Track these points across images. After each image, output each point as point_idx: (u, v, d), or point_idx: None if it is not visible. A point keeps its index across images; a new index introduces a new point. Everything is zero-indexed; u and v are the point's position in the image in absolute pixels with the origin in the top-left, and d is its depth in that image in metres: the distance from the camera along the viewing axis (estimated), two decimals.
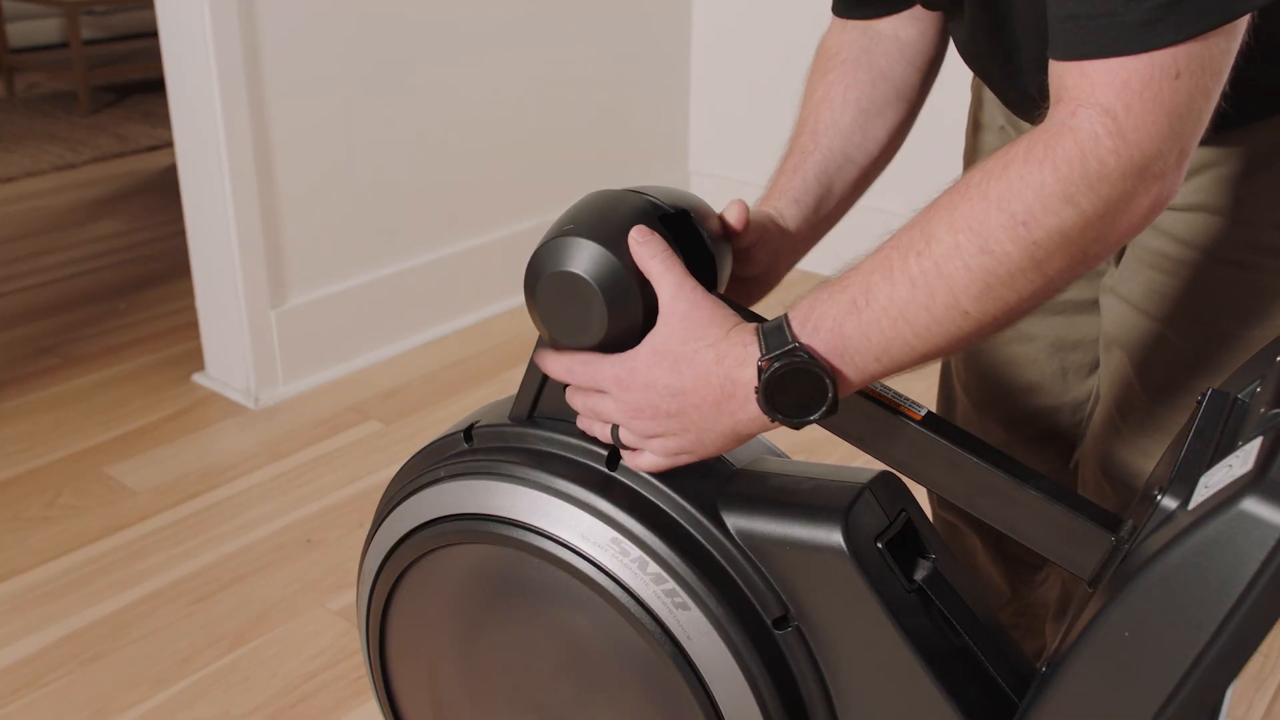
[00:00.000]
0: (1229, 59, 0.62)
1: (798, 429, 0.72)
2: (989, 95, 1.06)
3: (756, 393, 0.71)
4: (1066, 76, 0.63)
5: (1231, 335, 0.91)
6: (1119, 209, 0.63)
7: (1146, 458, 0.98)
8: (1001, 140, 1.05)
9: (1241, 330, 0.90)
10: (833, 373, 0.70)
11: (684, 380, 0.74)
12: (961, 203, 0.66)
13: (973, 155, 1.11)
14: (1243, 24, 0.62)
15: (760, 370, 0.71)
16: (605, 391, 0.78)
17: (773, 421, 0.72)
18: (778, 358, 0.70)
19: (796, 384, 0.70)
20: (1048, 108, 0.67)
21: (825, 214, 0.96)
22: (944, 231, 0.66)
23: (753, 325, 0.74)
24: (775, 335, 0.71)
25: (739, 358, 0.72)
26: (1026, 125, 0.95)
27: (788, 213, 0.93)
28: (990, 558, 1.23)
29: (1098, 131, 0.61)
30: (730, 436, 0.75)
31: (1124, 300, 0.97)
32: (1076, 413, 1.13)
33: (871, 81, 0.97)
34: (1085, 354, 1.09)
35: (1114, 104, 0.61)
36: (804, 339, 0.70)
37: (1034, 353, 1.10)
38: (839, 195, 0.96)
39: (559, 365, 0.81)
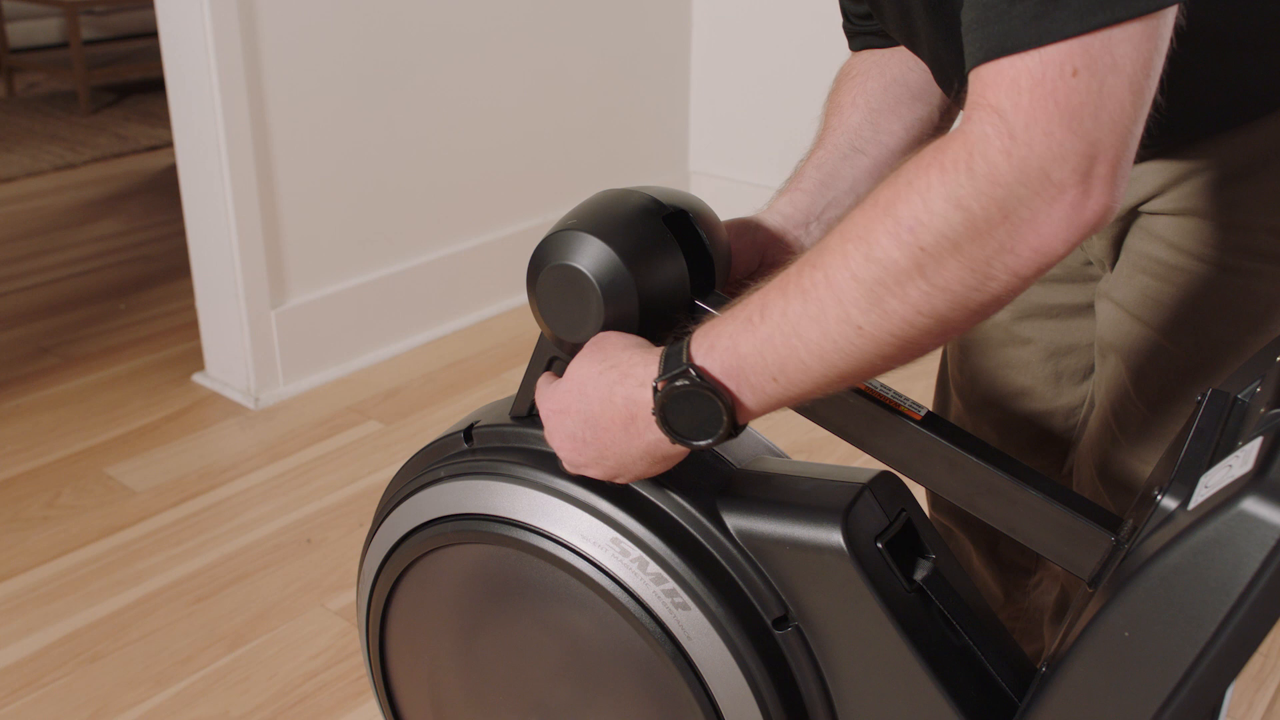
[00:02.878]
0: (1150, 59, 0.57)
1: (704, 449, 0.70)
2: None
3: (653, 415, 0.70)
4: (967, 89, 0.60)
5: (1226, 341, 0.90)
6: (1020, 219, 0.58)
7: (1142, 463, 0.98)
8: None
9: (1236, 336, 0.90)
10: (726, 394, 0.68)
11: (591, 405, 0.74)
12: (856, 213, 0.63)
13: None
14: (1160, 22, 0.57)
15: (655, 391, 0.69)
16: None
17: (674, 444, 0.71)
18: (671, 378, 0.68)
19: (690, 406, 0.68)
20: None
21: (832, 199, 0.94)
22: (835, 241, 0.63)
23: (661, 348, 0.73)
24: (673, 357, 0.70)
25: (639, 379, 0.71)
26: None
27: (779, 206, 0.93)
28: (984, 562, 1.24)
29: (987, 131, 0.57)
30: (648, 459, 0.74)
31: (1118, 305, 0.97)
32: (1070, 417, 1.13)
33: (883, 86, 0.97)
34: (1079, 359, 1.09)
35: (1002, 102, 0.57)
36: (699, 360, 0.68)
37: (1028, 356, 1.10)
38: (848, 182, 0.94)
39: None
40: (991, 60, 0.57)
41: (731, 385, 0.68)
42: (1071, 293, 1.06)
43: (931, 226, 0.59)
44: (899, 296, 0.61)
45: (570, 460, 0.78)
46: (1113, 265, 0.99)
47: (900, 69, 0.97)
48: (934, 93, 0.97)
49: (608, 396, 0.73)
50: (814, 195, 0.93)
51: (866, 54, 1.00)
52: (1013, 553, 1.22)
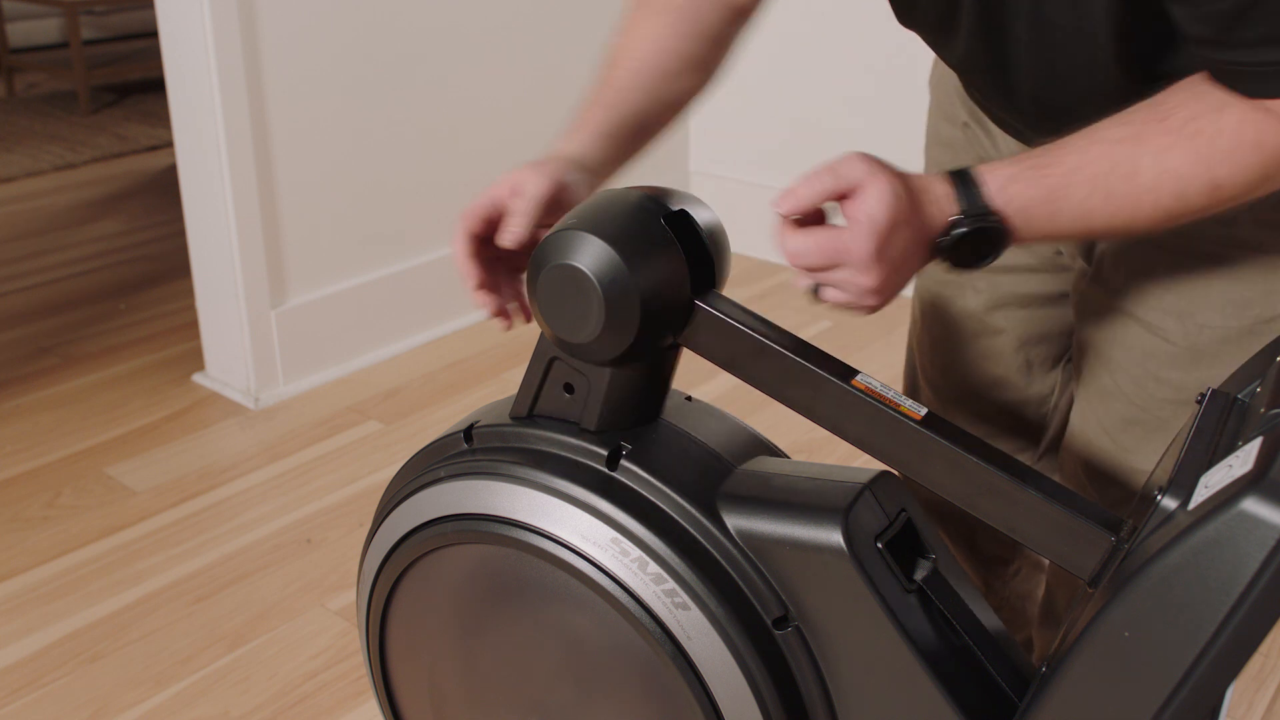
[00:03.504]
0: None
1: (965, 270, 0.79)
2: (952, 91, 1.07)
3: (938, 240, 0.76)
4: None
5: (1209, 328, 0.92)
6: None
7: (1128, 454, 0.99)
8: (966, 135, 1.06)
9: (1220, 322, 0.91)
10: (1010, 233, 0.77)
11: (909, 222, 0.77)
12: (1173, 151, 0.73)
13: (936, 144, 1.12)
14: None
15: (951, 225, 0.76)
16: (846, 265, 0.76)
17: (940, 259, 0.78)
18: (971, 220, 0.76)
19: (975, 241, 0.77)
20: (1044, 132, 0.76)
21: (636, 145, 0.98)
22: (1151, 173, 0.74)
23: (942, 175, 0.78)
24: (970, 194, 0.76)
25: (939, 203, 0.77)
26: (990, 125, 1.00)
27: (593, 151, 0.94)
28: (962, 555, 1.24)
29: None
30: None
31: (1100, 295, 0.97)
32: (1042, 405, 1.13)
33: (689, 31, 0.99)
34: (1051, 347, 1.10)
35: None
36: (998, 205, 0.76)
37: (1000, 346, 1.11)
38: (651, 133, 0.99)
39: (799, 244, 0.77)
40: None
41: (1012, 225, 0.77)
42: (1044, 282, 1.07)
43: (1237, 184, 0.74)
44: (1185, 218, 0.77)
45: (862, 286, 0.76)
46: (1085, 257, 0.99)
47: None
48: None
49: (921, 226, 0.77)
50: (625, 147, 0.97)
51: None
52: (990, 544, 1.23)
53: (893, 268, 0.75)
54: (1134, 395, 0.97)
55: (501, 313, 0.90)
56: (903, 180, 0.75)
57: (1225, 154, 0.72)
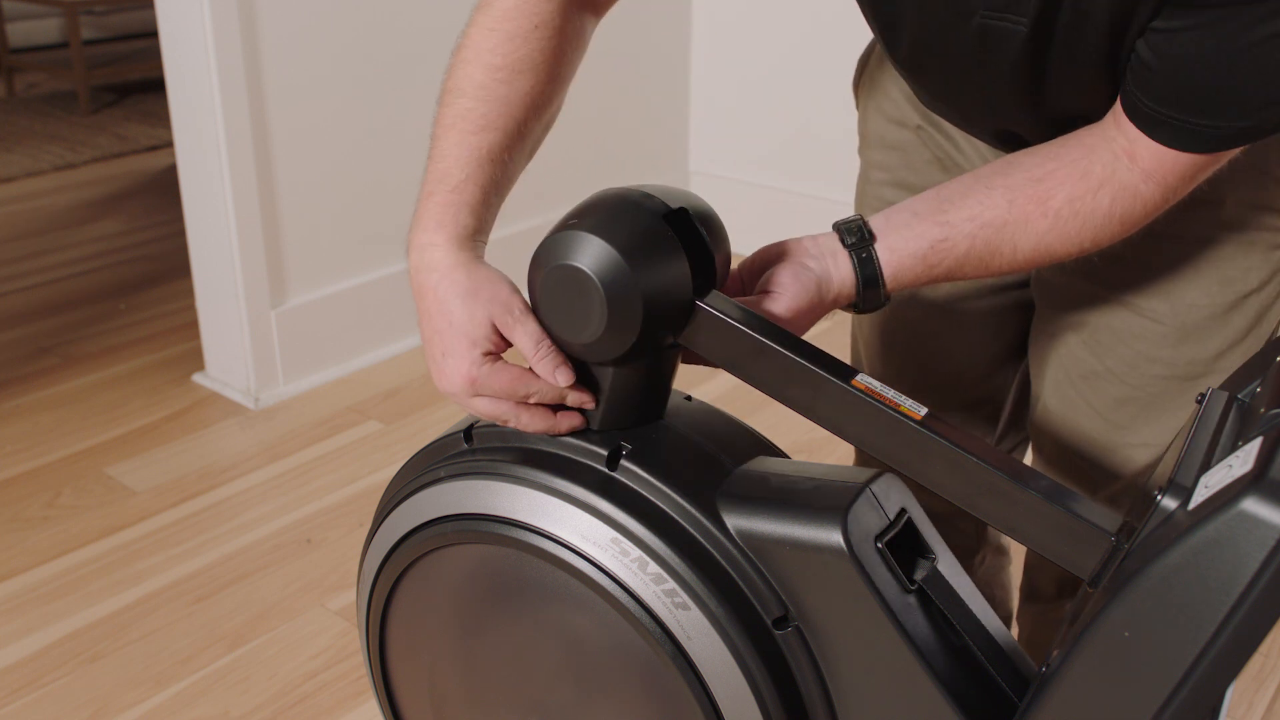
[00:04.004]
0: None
1: None
2: (898, 93, 1.07)
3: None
4: (1139, 145, 0.80)
5: (1197, 306, 0.95)
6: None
7: (1124, 430, 1.01)
8: (920, 137, 1.06)
9: (1206, 300, 0.95)
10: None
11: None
12: (1052, 234, 0.83)
13: (881, 147, 1.11)
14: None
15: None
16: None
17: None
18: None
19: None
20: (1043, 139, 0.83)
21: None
22: (1027, 250, 0.84)
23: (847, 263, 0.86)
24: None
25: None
26: (945, 125, 1.03)
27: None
28: None
29: (1149, 189, 0.82)
30: None
31: (1081, 283, 0.98)
32: (1001, 392, 1.15)
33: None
34: (1013, 334, 1.12)
35: (1169, 178, 0.81)
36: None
37: (964, 331, 1.12)
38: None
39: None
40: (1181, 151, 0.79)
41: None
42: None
43: (1100, 238, 0.85)
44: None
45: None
46: None
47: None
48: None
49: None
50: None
51: None
52: (955, 535, 1.24)
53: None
54: (1126, 376, 0.99)
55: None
56: (814, 288, 0.84)
57: (1096, 229, 0.83)
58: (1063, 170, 0.83)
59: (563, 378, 0.79)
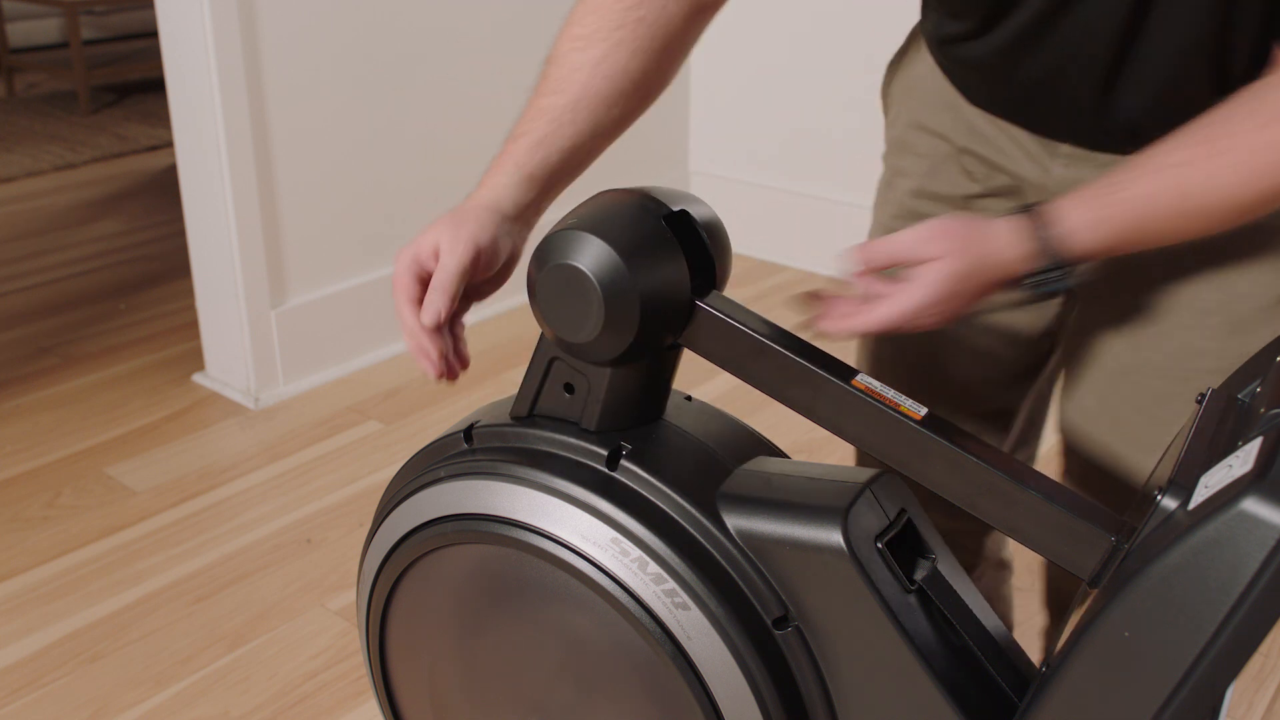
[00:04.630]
0: None
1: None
2: (939, 104, 1.04)
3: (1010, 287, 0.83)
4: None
5: (1250, 297, 0.94)
6: None
7: (1170, 426, 0.98)
8: (960, 163, 1.04)
9: (1260, 291, 0.94)
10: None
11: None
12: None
13: (907, 153, 1.10)
14: None
15: (1026, 282, 0.83)
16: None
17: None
18: (1045, 276, 0.82)
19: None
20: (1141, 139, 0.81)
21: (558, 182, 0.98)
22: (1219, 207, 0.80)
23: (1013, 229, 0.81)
24: (1049, 252, 0.81)
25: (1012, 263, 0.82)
26: (1000, 145, 1.00)
27: (516, 195, 0.93)
28: None
29: None
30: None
31: (1131, 270, 0.96)
32: (1014, 404, 1.14)
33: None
34: (1033, 345, 1.10)
35: None
36: (1079, 251, 0.81)
37: (978, 342, 1.10)
38: (574, 165, 1.00)
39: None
40: None
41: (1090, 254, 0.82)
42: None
43: None
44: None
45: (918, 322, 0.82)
46: None
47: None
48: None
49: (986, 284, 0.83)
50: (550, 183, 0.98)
51: None
52: (955, 551, 1.23)
53: (940, 315, 0.82)
54: (1171, 369, 0.97)
55: (450, 372, 0.87)
56: (976, 251, 0.81)
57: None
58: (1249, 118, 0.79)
59: (428, 317, 0.83)
